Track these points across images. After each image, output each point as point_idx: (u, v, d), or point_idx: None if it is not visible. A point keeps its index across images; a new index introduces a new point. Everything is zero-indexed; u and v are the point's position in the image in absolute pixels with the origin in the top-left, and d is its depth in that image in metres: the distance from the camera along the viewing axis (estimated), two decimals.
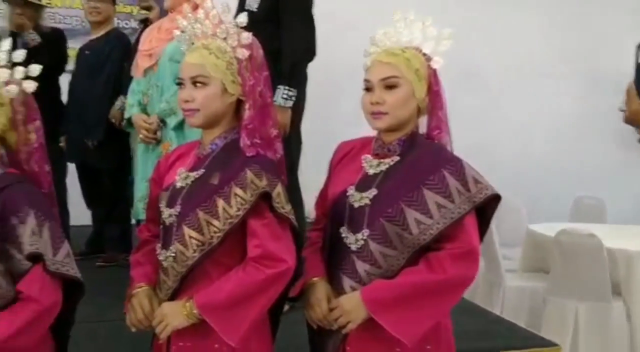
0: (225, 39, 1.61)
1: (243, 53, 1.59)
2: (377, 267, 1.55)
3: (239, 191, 1.52)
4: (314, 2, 2.79)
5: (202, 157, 1.63)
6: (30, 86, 1.53)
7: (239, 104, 1.61)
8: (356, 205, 1.59)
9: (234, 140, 1.60)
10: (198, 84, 1.55)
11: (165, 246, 1.59)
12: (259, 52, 1.65)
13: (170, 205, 1.59)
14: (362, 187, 1.61)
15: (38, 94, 1.54)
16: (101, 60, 3.64)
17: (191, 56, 1.58)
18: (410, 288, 1.50)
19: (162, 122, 2.71)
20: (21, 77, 1.52)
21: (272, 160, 1.60)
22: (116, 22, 4.80)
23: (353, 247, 1.57)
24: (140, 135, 2.78)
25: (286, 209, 1.56)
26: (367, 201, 1.58)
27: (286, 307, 1.77)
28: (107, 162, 3.62)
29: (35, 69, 1.52)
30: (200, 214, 1.53)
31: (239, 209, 1.51)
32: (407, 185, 1.55)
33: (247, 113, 1.59)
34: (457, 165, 1.56)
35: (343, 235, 1.60)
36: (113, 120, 3.49)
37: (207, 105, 1.56)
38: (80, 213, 3.89)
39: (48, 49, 3.62)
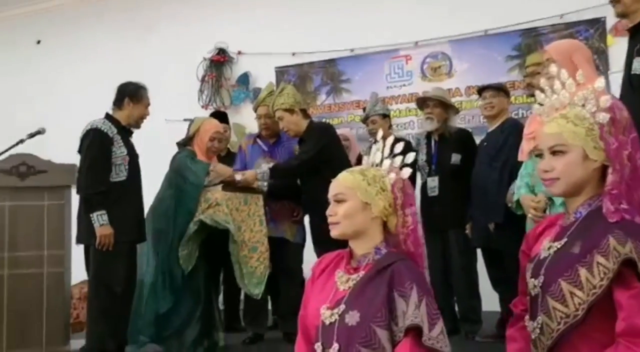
0: (583, 105, 1.59)
1: (603, 117, 1.54)
2: None
3: (601, 259, 1.43)
4: None
5: (566, 226, 1.60)
6: (407, 172, 1.76)
7: (605, 169, 1.55)
8: None
9: (599, 207, 1.52)
10: (557, 153, 1.56)
11: (532, 317, 1.58)
12: (622, 114, 1.57)
13: (534, 275, 1.59)
14: None
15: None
16: (497, 149, 3.87)
17: (549, 127, 1.60)
18: None
19: (550, 200, 2.70)
20: (398, 165, 1.76)
21: None
22: (521, 113, 5.09)
23: None
24: (529, 215, 2.82)
25: None
26: None
27: None
28: (507, 244, 3.72)
29: (410, 156, 1.76)
30: (563, 284, 1.49)
31: (602, 279, 1.42)
32: None
33: (610, 178, 1.51)
34: None
35: None
36: (509, 205, 3.61)
37: (567, 173, 1.55)
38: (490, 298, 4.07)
39: (456, 145, 4.11)
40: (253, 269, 3.88)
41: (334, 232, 1.73)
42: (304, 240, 4.33)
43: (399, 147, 1.79)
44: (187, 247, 3.81)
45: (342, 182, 1.74)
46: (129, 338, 3.72)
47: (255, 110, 4.45)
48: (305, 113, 4.06)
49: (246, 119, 5.88)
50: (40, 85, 6.34)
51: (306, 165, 3.84)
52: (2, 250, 3.66)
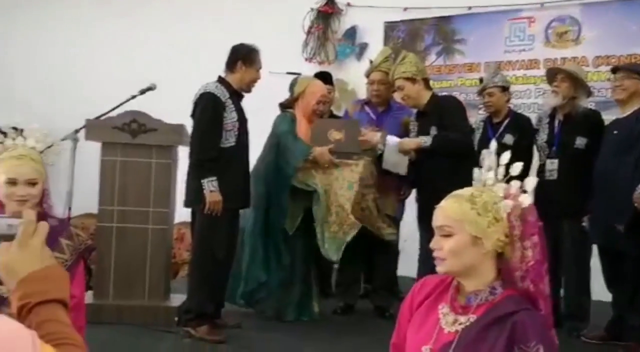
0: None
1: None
2: None
3: None
4: None
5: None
6: (526, 200, 1.47)
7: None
8: None
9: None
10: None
11: None
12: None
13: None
14: None
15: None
16: (631, 141, 3.50)
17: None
18: None
19: None
20: (516, 192, 1.47)
21: None
22: None
23: None
24: None
25: None
26: None
27: None
28: (633, 246, 3.42)
29: (531, 182, 1.49)
30: None
31: None
32: None
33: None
34: None
35: None
36: (635, 205, 3.29)
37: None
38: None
39: (583, 128, 3.75)
40: (333, 234, 3.80)
41: (440, 269, 1.50)
42: (402, 215, 4.23)
43: (517, 168, 1.50)
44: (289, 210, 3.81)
45: (447, 213, 1.48)
46: (226, 299, 3.80)
47: (368, 75, 4.23)
48: (427, 83, 3.83)
49: (351, 75, 5.69)
50: (154, 39, 6.32)
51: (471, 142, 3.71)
52: (112, 203, 3.76)
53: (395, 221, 4.16)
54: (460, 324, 1.47)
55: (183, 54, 6.09)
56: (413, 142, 3.79)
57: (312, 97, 3.94)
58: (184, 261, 6.22)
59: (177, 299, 3.85)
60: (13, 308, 0.95)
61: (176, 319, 3.66)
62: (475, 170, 1.56)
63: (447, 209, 1.48)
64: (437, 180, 3.51)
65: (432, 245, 1.49)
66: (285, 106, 4.10)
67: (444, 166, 3.61)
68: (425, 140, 3.71)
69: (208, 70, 3.72)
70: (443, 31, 5.56)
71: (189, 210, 3.62)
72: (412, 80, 3.76)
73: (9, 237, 1.02)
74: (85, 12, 6.64)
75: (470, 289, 1.49)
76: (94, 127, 3.75)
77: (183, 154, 3.74)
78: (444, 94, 4.40)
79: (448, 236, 1.46)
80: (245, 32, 5.29)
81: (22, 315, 0.93)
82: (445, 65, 5.58)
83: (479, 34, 5.39)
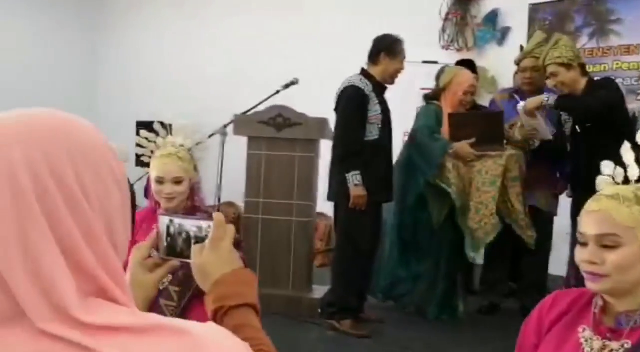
0: None
1: None
2: None
3: None
4: None
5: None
6: None
7: None
8: None
9: None
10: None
11: None
12: None
13: None
14: None
15: None
16: None
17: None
18: None
19: None
20: None
21: None
22: None
23: None
24: None
25: None
26: None
27: None
28: None
29: None
30: None
31: None
32: None
33: None
34: None
35: None
36: None
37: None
38: None
39: None
40: (470, 230, 3.63)
41: (599, 287, 1.24)
42: (556, 210, 3.95)
43: None
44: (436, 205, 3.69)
45: (615, 218, 1.22)
46: (370, 293, 3.79)
47: (519, 62, 3.98)
48: (583, 69, 3.55)
49: (491, 62, 5.42)
50: (296, 33, 6.40)
51: (605, 108, 3.33)
52: (258, 196, 3.86)
53: (548, 216, 3.92)
54: (611, 350, 1.25)
55: (325, 47, 6.11)
56: (536, 99, 3.56)
57: (459, 88, 3.80)
58: (317, 250, 6.34)
59: (319, 290, 3.89)
60: (208, 311, 0.96)
61: (319, 310, 3.70)
62: (606, 164, 1.35)
63: (614, 213, 1.22)
64: (596, 176, 3.23)
65: (588, 258, 1.23)
66: (431, 97, 3.98)
67: (604, 160, 3.31)
68: (548, 98, 3.48)
69: (349, 63, 3.69)
70: (596, 11, 5.12)
71: (325, 201, 3.64)
72: (567, 66, 3.48)
73: (200, 240, 1.04)
74: (227, 10, 6.88)
75: (621, 309, 1.25)
76: (241, 122, 3.87)
77: (325, 147, 3.75)
78: (597, 78, 4.04)
79: (612, 247, 1.21)
80: (380, 21, 5.21)
81: (218, 318, 0.93)
82: (598, 47, 5.14)
83: (638, 13, 4.90)
